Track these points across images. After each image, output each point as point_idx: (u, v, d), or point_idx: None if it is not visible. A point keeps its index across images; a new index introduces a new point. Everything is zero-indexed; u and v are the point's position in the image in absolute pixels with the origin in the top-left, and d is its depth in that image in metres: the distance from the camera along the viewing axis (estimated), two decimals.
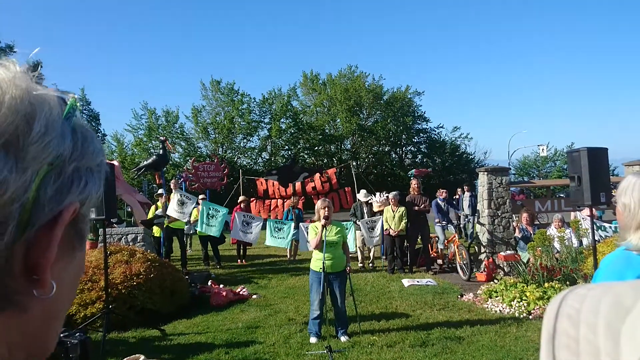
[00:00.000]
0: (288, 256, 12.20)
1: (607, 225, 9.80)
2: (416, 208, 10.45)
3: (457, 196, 16.48)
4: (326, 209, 5.91)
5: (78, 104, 0.48)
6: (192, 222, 11.68)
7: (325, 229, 5.83)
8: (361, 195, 11.67)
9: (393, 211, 10.28)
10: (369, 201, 11.57)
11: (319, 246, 5.86)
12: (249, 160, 37.94)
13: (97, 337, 5.90)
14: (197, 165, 16.94)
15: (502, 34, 79.64)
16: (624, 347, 0.37)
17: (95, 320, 6.26)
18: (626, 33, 77.90)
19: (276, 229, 10.64)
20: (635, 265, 1.68)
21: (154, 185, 21.60)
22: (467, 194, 14.44)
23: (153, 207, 11.14)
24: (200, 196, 12.80)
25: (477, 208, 10.67)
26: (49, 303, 0.46)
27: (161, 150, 12.74)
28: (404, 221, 10.21)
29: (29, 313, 0.45)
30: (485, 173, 10.00)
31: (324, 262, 5.70)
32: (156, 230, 10.86)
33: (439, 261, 10.59)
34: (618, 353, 0.37)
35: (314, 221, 6.21)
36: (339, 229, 6.02)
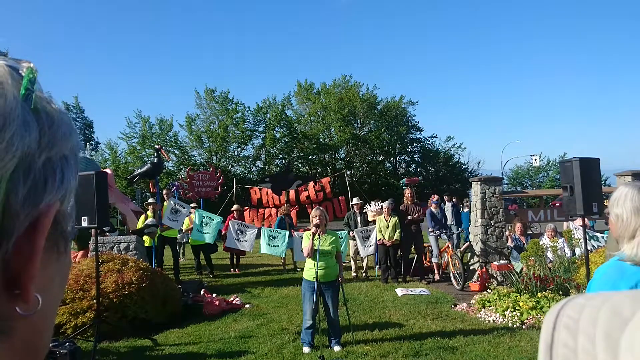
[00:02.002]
0: (283, 267, 12.12)
1: (599, 235, 9.86)
2: (410, 217, 10.46)
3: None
4: (318, 217, 5.91)
5: (36, 74, 0.39)
6: (184, 230, 11.63)
7: (319, 237, 5.82)
8: (355, 200, 11.70)
9: (386, 221, 10.29)
10: (364, 210, 11.57)
11: (311, 254, 5.85)
12: (243, 169, 37.92)
13: (88, 346, 5.84)
14: (193, 174, 16.91)
15: (496, 45, 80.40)
16: (623, 358, 0.36)
17: (86, 329, 6.20)
18: (618, 43, 78.89)
19: (271, 237, 10.63)
20: (628, 276, 1.68)
21: (147, 194, 21.50)
22: (448, 204, 14.26)
23: (143, 217, 11.07)
24: (192, 205, 12.76)
25: (471, 218, 10.68)
26: (35, 318, 0.39)
27: (156, 159, 12.72)
28: (397, 231, 10.21)
29: (13, 336, 0.38)
30: (479, 183, 10.04)
31: (316, 272, 5.69)
32: (146, 240, 10.75)
33: (437, 276, 10.53)
34: None
35: (309, 229, 6.22)
36: (333, 238, 6.01)
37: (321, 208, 6.30)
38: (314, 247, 5.80)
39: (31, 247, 0.37)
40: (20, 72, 0.38)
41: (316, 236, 5.83)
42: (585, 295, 0.45)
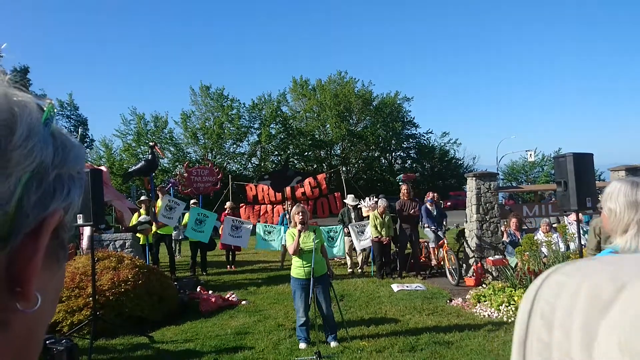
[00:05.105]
0: (281, 264, 12.10)
1: None
2: (405, 213, 10.48)
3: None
4: (300, 214, 5.92)
5: (55, 110, 0.47)
6: (182, 227, 11.60)
7: (314, 234, 5.84)
8: (349, 200, 11.66)
9: (381, 217, 10.30)
10: (358, 206, 11.57)
11: (297, 252, 5.86)
12: (239, 166, 37.88)
13: (84, 344, 5.83)
14: (191, 169, 16.83)
15: (490, 41, 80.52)
16: (597, 354, 0.32)
17: (83, 327, 6.19)
18: (613, 38, 79.17)
19: (266, 232, 10.66)
20: None
21: (143, 191, 21.42)
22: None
23: (136, 214, 11.03)
24: (192, 201, 12.74)
25: (466, 213, 10.71)
26: (31, 318, 0.43)
27: (150, 156, 12.69)
28: (391, 227, 10.24)
29: (10, 330, 0.42)
30: (474, 178, 10.07)
31: (312, 268, 5.70)
32: (140, 238, 10.70)
33: (433, 261, 10.56)
34: None
35: (291, 227, 6.23)
36: (316, 233, 6.02)
37: (301, 204, 6.33)
38: (306, 247, 5.82)
39: (35, 245, 0.42)
40: (42, 107, 0.46)
41: (303, 233, 5.86)
42: (564, 270, 0.40)
